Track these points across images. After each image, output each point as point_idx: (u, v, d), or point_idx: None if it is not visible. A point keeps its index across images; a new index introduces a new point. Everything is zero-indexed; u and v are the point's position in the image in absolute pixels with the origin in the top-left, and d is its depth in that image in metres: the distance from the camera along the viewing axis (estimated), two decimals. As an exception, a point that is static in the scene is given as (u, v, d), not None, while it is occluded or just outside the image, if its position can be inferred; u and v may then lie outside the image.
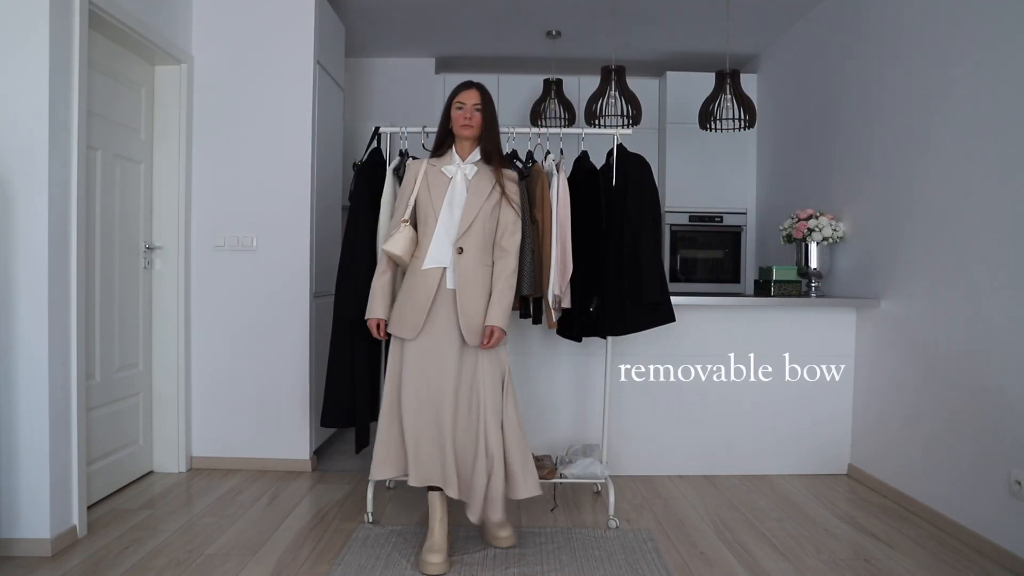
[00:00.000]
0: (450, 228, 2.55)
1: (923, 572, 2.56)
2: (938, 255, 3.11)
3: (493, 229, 2.60)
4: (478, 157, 2.64)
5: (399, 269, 2.70)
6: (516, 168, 2.81)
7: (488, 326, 2.52)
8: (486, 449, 2.51)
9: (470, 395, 2.53)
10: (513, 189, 2.64)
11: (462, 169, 2.60)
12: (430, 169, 2.64)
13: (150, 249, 3.50)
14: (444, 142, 2.68)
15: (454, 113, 2.61)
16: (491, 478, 2.51)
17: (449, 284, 2.53)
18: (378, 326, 2.65)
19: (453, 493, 2.51)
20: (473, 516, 2.54)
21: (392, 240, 2.58)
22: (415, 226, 2.63)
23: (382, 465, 2.60)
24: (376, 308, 2.64)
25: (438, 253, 2.54)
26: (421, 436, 2.52)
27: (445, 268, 2.54)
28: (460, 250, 2.52)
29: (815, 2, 4.29)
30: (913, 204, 3.30)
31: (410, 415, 2.52)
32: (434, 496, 2.59)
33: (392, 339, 2.62)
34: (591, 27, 4.77)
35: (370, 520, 2.94)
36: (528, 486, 2.56)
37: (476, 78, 5.45)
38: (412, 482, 2.52)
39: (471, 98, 2.59)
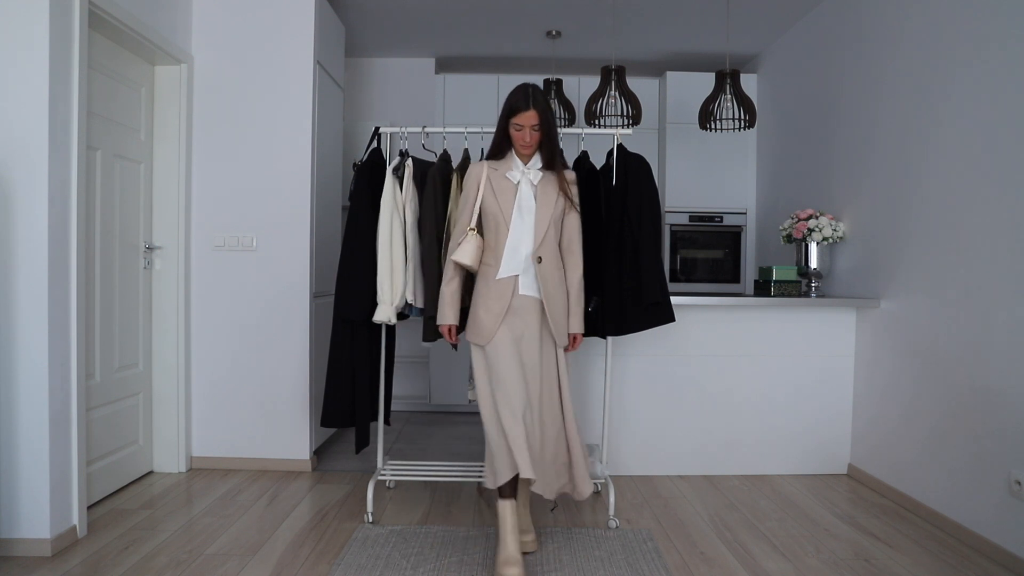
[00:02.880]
0: (523, 236, 2.57)
1: (923, 572, 2.56)
2: (938, 255, 3.11)
3: (558, 232, 2.66)
4: (540, 163, 2.64)
5: (466, 273, 2.72)
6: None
7: (572, 334, 2.67)
8: (569, 436, 2.63)
9: (552, 391, 2.61)
10: (575, 193, 2.70)
11: (527, 175, 2.61)
12: (492, 174, 2.62)
13: (150, 249, 3.50)
14: (503, 146, 2.64)
15: (512, 132, 2.59)
16: (575, 459, 2.63)
17: (522, 289, 2.57)
18: (450, 331, 2.69)
19: (535, 476, 2.50)
20: (551, 494, 2.60)
21: (461, 250, 2.57)
22: (481, 233, 2.63)
23: (505, 470, 2.49)
24: (447, 315, 2.67)
25: (513, 262, 2.57)
26: (530, 433, 2.50)
27: (518, 275, 2.57)
28: (540, 259, 2.56)
29: (815, 2, 4.29)
30: (913, 204, 3.30)
31: (509, 413, 2.47)
32: (505, 506, 2.50)
33: (473, 348, 2.63)
34: (591, 27, 4.77)
35: (370, 520, 2.94)
36: (589, 483, 2.67)
37: (476, 78, 5.54)
38: (526, 473, 2.41)
39: (529, 120, 2.55)
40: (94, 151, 3.03)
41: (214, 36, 3.66)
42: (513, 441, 2.44)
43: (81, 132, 2.72)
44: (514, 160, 2.62)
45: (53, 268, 2.59)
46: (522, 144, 2.57)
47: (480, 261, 2.60)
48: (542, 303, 2.58)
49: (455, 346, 2.82)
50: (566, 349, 2.66)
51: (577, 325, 2.67)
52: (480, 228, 2.62)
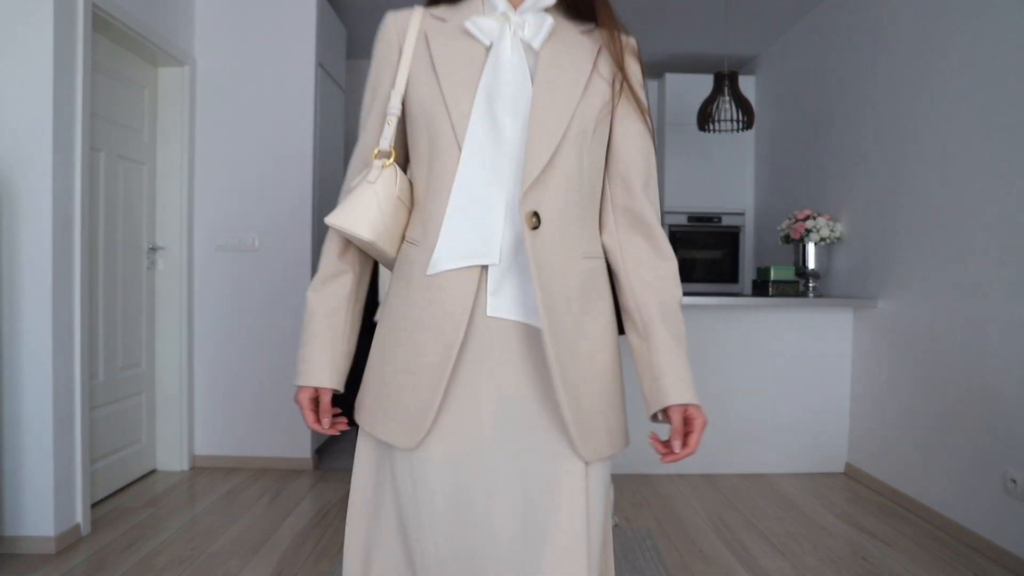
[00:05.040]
0: (496, 165, 1.05)
1: (920, 570, 2.59)
2: (935, 255, 3.13)
3: (597, 162, 1.12)
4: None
5: (370, 269, 1.23)
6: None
7: (681, 406, 1.17)
8: None
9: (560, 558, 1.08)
10: (638, 74, 1.16)
11: (514, 22, 1.08)
12: (433, 28, 1.12)
13: (153, 249, 3.52)
14: None
15: None
16: None
17: (492, 309, 1.07)
18: (316, 401, 1.19)
19: None
20: None
21: (350, 205, 1.08)
22: (405, 168, 1.18)
23: None
24: (311, 363, 1.15)
25: (470, 232, 1.06)
26: None
27: (486, 268, 1.06)
28: (535, 218, 1.04)
29: (813, 4, 4.31)
30: (910, 204, 3.33)
31: None
32: None
33: (362, 437, 1.19)
34: (591, 29, 4.79)
35: (371, 519, 2.94)
36: None
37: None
38: None
39: None
40: (97, 152, 3.05)
41: (216, 38, 3.68)
42: None
43: (85, 133, 2.73)
44: None
45: (57, 268, 2.61)
46: None
47: (402, 235, 1.14)
48: (541, 337, 1.06)
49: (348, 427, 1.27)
50: (666, 455, 1.16)
51: (684, 390, 1.19)
52: (404, 157, 1.17)
